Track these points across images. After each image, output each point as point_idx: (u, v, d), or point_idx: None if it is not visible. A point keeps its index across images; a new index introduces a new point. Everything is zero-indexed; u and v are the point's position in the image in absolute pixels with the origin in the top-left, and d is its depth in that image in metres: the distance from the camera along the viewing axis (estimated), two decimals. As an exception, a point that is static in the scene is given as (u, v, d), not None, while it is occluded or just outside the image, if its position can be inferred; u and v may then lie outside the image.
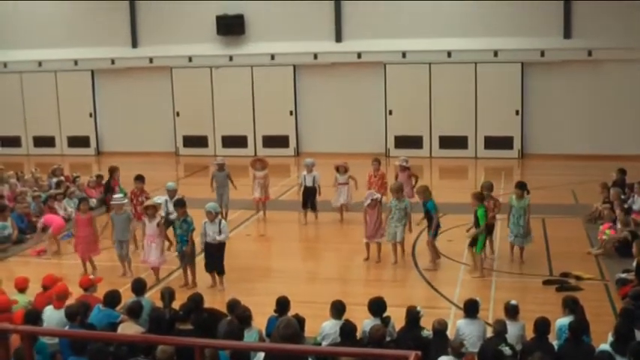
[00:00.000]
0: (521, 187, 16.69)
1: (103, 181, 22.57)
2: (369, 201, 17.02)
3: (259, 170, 20.91)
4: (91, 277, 13.55)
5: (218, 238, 15.37)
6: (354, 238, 18.13)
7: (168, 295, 11.95)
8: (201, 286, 15.46)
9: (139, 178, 19.10)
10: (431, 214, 16.52)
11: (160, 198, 18.20)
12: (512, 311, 11.46)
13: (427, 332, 11.13)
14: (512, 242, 16.77)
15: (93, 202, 22.10)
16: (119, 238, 16.46)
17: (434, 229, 16.54)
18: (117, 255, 16.61)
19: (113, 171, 21.57)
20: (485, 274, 15.97)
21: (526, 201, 16.58)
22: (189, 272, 15.83)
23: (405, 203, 16.82)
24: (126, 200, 17.20)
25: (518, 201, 16.56)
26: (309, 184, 20.55)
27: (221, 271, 15.64)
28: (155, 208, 16.13)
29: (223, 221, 15.86)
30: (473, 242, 16.12)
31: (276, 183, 22.95)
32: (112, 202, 17.06)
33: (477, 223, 16.04)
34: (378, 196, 17.55)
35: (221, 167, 20.97)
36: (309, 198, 20.59)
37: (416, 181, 20.26)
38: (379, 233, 17.03)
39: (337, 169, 20.59)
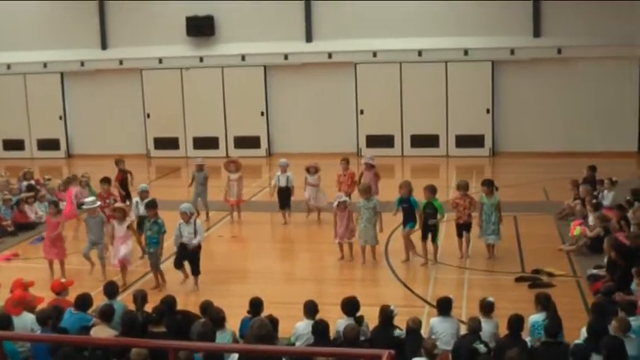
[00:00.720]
0: (489, 184, 16.82)
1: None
2: (336, 203, 17.08)
3: (233, 172, 20.84)
4: (62, 280, 13.45)
5: (194, 241, 15.38)
6: (327, 238, 18.11)
7: (140, 297, 11.90)
8: (174, 288, 15.38)
9: (105, 181, 19.05)
10: (413, 209, 16.60)
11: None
12: (487, 308, 11.50)
13: (400, 332, 11.14)
14: (485, 240, 16.86)
15: (63, 204, 21.96)
16: (94, 240, 16.38)
17: (418, 224, 16.65)
18: (82, 255, 16.53)
19: (117, 163, 21.63)
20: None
21: (496, 198, 16.70)
22: (158, 274, 15.80)
23: (374, 202, 16.87)
24: (99, 203, 17.09)
25: (488, 198, 16.67)
26: (282, 184, 20.51)
27: (196, 272, 15.59)
28: (124, 210, 16.06)
29: (198, 222, 15.79)
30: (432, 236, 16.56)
31: (249, 184, 22.89)
32: (84, 206, 16.94)
33: (431, 216, 16.38)
34: (346, 198, 17.62)
35: (200, 168, 20.94)
36: (285, 198, 20.57)
37: (378, 180, 20.25)
38: (350, 233, 17.06)
39: (308, 169, 20.56)
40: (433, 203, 16.43)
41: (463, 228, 16.93)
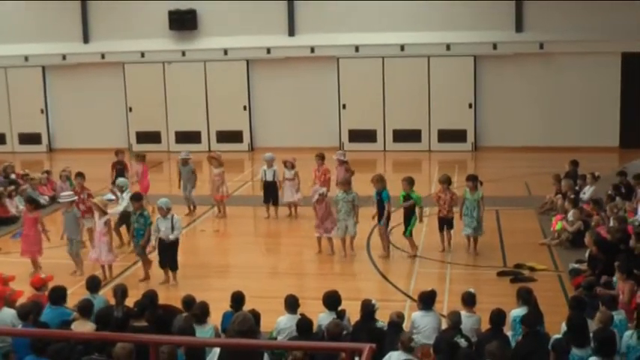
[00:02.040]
0: (473, 179, 16.89)
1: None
2: (316, 196, 17.16)
3: (215, 167, 20.81)
4: (42, 275, 13.39)
5: (170, 237, 15.40)
6: (308, 232, 18.13)
7: (120, 292, 11.87)
8: (155, 282, 15.37)
9: (80, 175, 18.95)
10: (383, 204, 16.61)
11: (110, 195, 18.10)
12: (469, 300, 11.54)
13: (382, 323, 11.16)
14: (467, 234, 16.92)
15: (45, 199, 21.88)
16: (69, 235, 16.30)
17: (385, 219, 16.65)
18: (67, 252, 16.45)
19: (117, 154, 21.58)
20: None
21: (479, 193, 16.75)
22: (145, 265, 15.85)
23: (352, 195, 16.94)
24: (75, 198, 16.99)
25: (472, 193, 16.72)
26: (269, 178, 20.52)
27: (174, 267, 15.60)
28: (98, 206, 15.96)
29: (176, 217, 15.73)
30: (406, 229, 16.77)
31: (231, 178, 22.86)
32: (59, 200, 16.85)
33: (408, 208, 16.56)
34: (324, 190, 17.65)
35: (185, 162, 20.93)
36: (271, 193, 20.59)
37: (351, 175, 20.25)
38: (329, 227, 17.13)
39: (285, 164, 20.56)
40: (410, 195, 16.49)
41: (444, 222, 17.02)
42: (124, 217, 17.49)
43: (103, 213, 15.80)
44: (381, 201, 16.63)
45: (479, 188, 16.82)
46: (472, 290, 11.69)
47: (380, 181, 16.69)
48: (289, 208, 20.69)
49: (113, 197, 17.97)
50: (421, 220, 16.90)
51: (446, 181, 17.16)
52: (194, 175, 21.02)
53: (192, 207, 21.06)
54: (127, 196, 17.43)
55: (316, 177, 20.35)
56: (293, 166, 20.40)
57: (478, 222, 16.74)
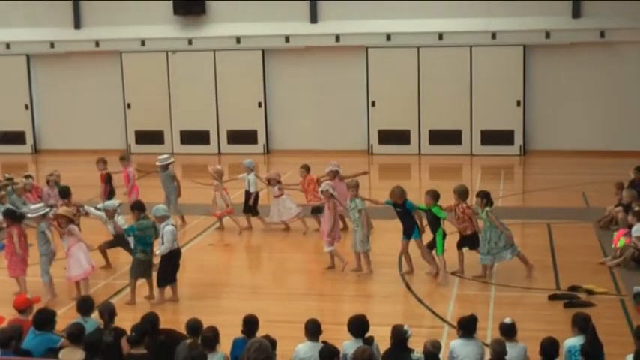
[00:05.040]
0: (483, 196, 16.65)
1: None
2: (321, 191, 17.69)
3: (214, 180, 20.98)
4: (28, 296, 13.38)
5: (157, 251, 15.65)
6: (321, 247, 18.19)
7: (107, 312, 11.88)
8: (162, 304, 15.45)
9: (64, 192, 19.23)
10: (411, 214, 16.70)
11: (114, 202, 18.26)
12: (507, 331, 11.45)
13: (418, 354, 11.12)
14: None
15: (28, 208, 21.93)
16: (40, 252, 16.34)
17: (421, 228, 16.77)
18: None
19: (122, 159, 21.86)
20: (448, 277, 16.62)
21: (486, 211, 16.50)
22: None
23: (356, 202, 17.06)
24: (46, 210, 16.95)
25: (482, 211, 16.56)
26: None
27: (160, 283, 15.77)
28: (66, 217, 16.05)
29: (168, 228, 15.68)
30: (432, 245, 16.67)
31: (241, 185, 22.84)
32: (29, 214, 16.86)
33: (433, 223, 16.53)
34: (329, 186, 17.72)
35: (164, 168, 21.13)
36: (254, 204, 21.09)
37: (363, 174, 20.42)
38: (334, 235, 17.45)
39: (268, 181, 20.88)
40: (432, 210, 16.51)
41: (462, 240, 17.01)
42: (118, 239, 17.64)
43: (71, 222, 15.99)
44: (408, 212, 16.69)
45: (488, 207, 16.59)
46: (508, 320, 11.56)
47: (402, 194, 16.72)
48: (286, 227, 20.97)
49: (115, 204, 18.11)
50: (423, 232, 16.87)
51: (461, 194, 16.88)
52: (175, 181, 21.16)
53: (181, 218, 21.25)
54: (121, 219, 17.63)
55: (306, 190, 20.62)
56: (278, 182, 20.64)
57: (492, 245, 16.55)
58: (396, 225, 17.10)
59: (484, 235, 16.53)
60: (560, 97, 30.06)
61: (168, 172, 21.14)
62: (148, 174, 25.48)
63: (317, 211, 19.94)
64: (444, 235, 16.66)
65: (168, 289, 15.79)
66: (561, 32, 29.56)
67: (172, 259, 15.66)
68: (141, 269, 15.79)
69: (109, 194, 21.17)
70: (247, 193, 21.00)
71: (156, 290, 15.81)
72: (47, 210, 16.98)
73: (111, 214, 17.21)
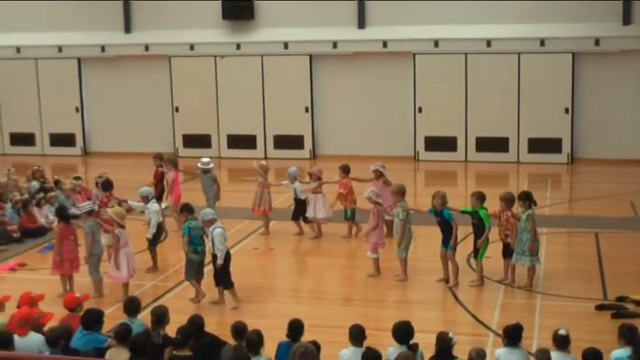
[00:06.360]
0: (525, 198, 16.58)
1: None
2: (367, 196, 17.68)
3: (261, 177, 21.08)
4: (77, 295, 13.49)
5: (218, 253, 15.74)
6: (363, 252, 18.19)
7: (157, 315, 11.94)
8: (205, 306, 15.51)
9: (107, 183, 19.32)
10: (450, 224, 16.62)
11: (150, 189, 18.60)
12: (561, 342, 11.36)
13: (462, 363, 11.09)
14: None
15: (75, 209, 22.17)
16: (89, 252, 16.51)
17: (454, 241, 16.66)
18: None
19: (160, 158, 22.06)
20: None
21: (527, 212, 16.37)
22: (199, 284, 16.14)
23: (397, 210, 17.08)
24: (94, 207, 17.18)
25: (522, 213, 16.47)
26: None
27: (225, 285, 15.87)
28: (114, 219, 16.19)
29: (217, 230, 15.76)
30: (476, 251, 16.63)
31: (287, 189, 22.92)
32: (76, 212, 17.05)
33: (479, 227, 16.40)
34: (371, 192, 17.78)
35: (206, 171, 21.26)
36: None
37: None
38: (377, 242, 17.46)
39: (310, 176, 20.90)
40: (479, 212, 16.39)
41: (505, 249, 16.86)
42: (159, 233, 17.83)
43: (120, 226, 16.10)
44: (446, 221, 16.63)
45: (532, 207, 16.47)
46: (564, 332, 11.45)
47: (443, 199, 16.64)
48: (317, 226, 20.91)
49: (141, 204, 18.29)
50: (455, 247, 16.77)
51: (507, 201, 16.74)
52: (216, 184, 21.27)
53: None
54: (153, 206, 17.82)
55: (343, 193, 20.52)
56: (318, 178, 20.59)
57: (526, 247, 16.40)
58: (440, 232, 17.06)
59: (519, 236, 16.42)
60: (609, 105, 29.80)
61: (210, 175, 21.24)
62: (194, 177, 25.73)
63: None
64: (487, 241, 16.62)
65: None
66: (611, 39, 29.29)
67: (226, 260, 15.79)
68: (194, 270, 15.94)
69: (160, 192, 21.26)
70: (298, 201, 20.88)
71: (202, 293, 15.91)
72: (94, 206, 17.20)
73: (146, 200, 17.83)
